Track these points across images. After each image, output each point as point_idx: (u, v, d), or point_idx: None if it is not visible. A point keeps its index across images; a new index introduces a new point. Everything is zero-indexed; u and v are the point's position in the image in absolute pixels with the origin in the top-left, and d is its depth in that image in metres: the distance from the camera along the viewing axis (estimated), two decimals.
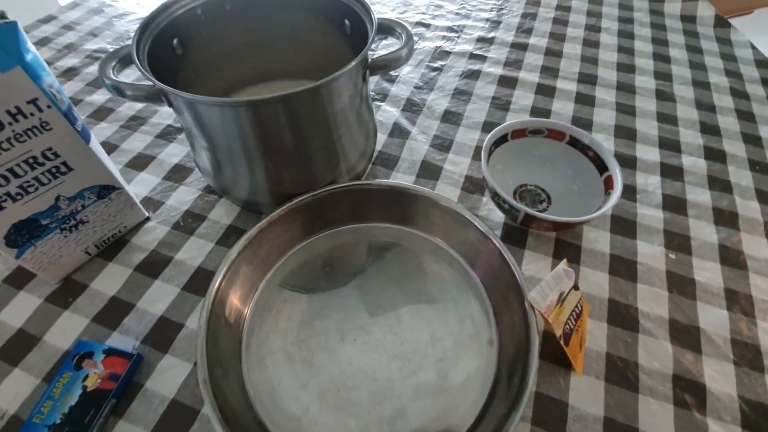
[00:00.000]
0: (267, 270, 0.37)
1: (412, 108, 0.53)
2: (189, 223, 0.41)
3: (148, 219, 0.41)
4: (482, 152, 0.39)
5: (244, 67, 0.46)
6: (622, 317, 0.36)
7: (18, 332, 0.34)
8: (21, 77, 0.27)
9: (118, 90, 0.32)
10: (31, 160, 0.30)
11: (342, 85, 0.33)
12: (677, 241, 0.41)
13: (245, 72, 0.47)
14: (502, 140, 0.42)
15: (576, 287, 0.33)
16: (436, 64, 0.59)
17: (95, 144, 0.34)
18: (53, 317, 0.35)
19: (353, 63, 0.31)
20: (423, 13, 0.69)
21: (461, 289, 0.36)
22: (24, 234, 0.33)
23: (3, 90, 0.27)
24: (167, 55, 0.37)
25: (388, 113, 0.52)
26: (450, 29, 0.66)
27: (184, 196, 0.43)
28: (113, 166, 0.37)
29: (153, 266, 0.38)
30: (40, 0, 0.99)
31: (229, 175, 0.38)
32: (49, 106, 0.29)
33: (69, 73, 0.56)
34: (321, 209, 0.39)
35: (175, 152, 0.47)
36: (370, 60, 0.35)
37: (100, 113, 0.51)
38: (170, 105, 0.33)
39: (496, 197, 0.38)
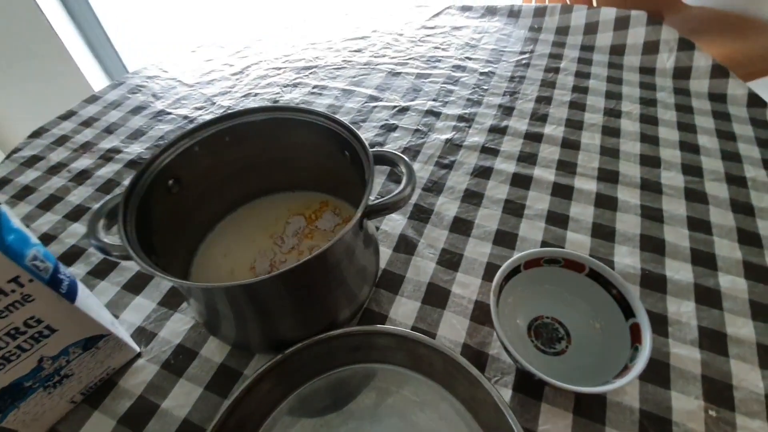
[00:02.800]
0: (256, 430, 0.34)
1: (419, 215, 0.51)
2: (180, 360, 0.39)
3: (139, 355, 0.40)
4: (491, 293, 0.36)
5: (242, 187, 0.45)
6: None
7: None
8: (1, 261, 0.27)
9: (105, 251, 0.31)
10: (12, 332, 0.29)
11: (337, 247, 0.31)
12: (718, 392, 0.36)
13: (244, 191, 0.45)
14: (514, 272, 0.39)
15: None
16: (446, 160, 0.57)
17: (82, 298, 0.33)
18: None
19: (350, 226, 0.29)
20: (434, 100, 0.68)
21: None
22: (6, 399, 0.31)
23: None
24: (161, 197, 0.36)
25: (394, 222, 0.50)
26: (461, 118, 0.64)
27: (177, 327, 0.41)
28: (103, 312, 0.35)
29: (137, 418, 0.36)
30: (74, 88, 1.05)
31: (215, 323, 0.36)
32: (31, 280, 0.28)
33: (81, 177, 0.57)
34: (313, 355, 0.36)
35: None
36: (367, 207, 0.33)
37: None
38: None
39: (508, 353, 0.34)
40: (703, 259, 0.45)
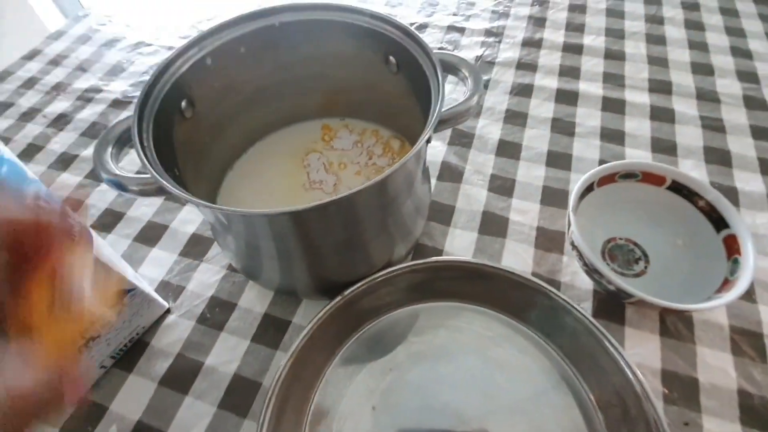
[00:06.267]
0: (317, 378, 0.30)
1: (460, 140, 0.45)
2: (216, 313, 0.34)
3: (168, 311, 0.35)
4: (569, 213, 0.32)
5: (265, 113, 0.38)
6: (758, 415, 0.29)
7: None
8: None
9: (121, 186, 0.25)
10: None
11: (407, 164, 0.25)
12: None
13: (267, 118, 0.39)
14: (587, 191, 0.34)
15: None
16: None
17: (99, 247, 0.27)
18: None
19: (423, 138, 0.24)
20: (454, 15, 0.60)
21: (558, 390, 0.30)
22: None
23: None
24: (174, 123, 0.29)
25: (433, 149, 0.44)
26: (489, 32, 0.57)
27: (206, 278, 0.36)
28: (124, 264, 0.30)
29: (180, 378, 0.32)
30: (27, 26, 0.91)
31: (257, 265, 0.31)
32: None
33: (60, 122, 0.49)
34: (374, 296, 0.32)
35: (189, 218, 0.40)
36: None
37: None
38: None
39: (595, 274, 0.31)
40: None
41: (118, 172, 0.25)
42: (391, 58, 0.32)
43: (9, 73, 0.55)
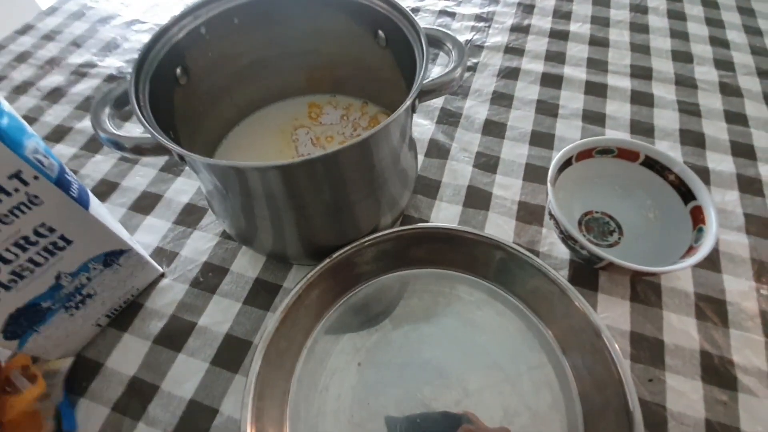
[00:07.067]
0: (305, 338, 0.32)
1: (448, 119, 0.47)
2: (209, 278, 0.36)
3: (162, 275, 0.36)
4: (548, 184, 0.34)
5: (256, 87, 0.39)
6: (717, 372, 0.31)
7: None
8: None
9: (117, 145, 0.26)
10: (21, 242, 0.25)
11: (391, 129, 0.27)
12: (767, 273, 0.36)
13: (258, 92, 0.40)
14: (565, 165, 0.36)
15: None
16: (469, 62, 0.52)
17: (96, 207, 0.28)
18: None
19: (406, 104, 0.25)
20: None
21: (532, 349, 0.32)
22: (23, 322, 0.28)
23: None
24: (169, 88, 0.31)
25: (422, 127, 0.46)
26: (479, 17, 0.58)
27: (200, 244, 0.38)
28: (119, 226, 0.31)
29: (174, 336, 0.33)
30: (18, 4, 0.90)
31: (251, 228, 0.32)
32: (36, 177, 0.24)
33: (54, 95, 0.50)
34: (361, 260, 0.34)
35: (183, 188, 0.41)
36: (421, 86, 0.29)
37: (94, 144, 0.45)
38: (182, 160, 0.27)
39: (570, 240, 0.32)
40: (743, 151, 0.44)
41: (115, 131, 0.26)
42: (380, 32, 0.33)
43: (1, 46, 0.55)
